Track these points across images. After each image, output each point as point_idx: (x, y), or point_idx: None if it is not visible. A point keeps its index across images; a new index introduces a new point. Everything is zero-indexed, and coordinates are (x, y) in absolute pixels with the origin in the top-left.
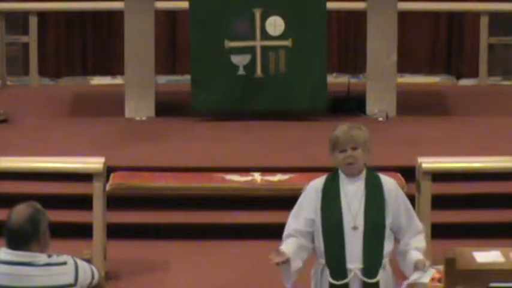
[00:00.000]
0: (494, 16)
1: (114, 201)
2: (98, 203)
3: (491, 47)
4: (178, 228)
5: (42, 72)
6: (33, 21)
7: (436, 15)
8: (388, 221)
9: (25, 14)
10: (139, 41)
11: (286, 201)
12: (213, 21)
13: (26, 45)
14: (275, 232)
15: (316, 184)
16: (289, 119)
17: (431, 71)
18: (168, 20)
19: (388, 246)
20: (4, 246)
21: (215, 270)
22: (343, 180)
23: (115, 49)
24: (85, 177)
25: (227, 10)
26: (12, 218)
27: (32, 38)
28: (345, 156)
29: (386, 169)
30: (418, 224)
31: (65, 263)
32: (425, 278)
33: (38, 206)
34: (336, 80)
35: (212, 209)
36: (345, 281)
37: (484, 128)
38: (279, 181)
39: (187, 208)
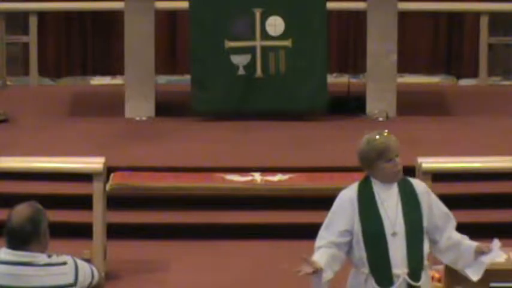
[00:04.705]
0: (494, 16)
1: (114, 201)
2: (98, 203)
3: (491, 47)
4: (178, 228)
5: (42, 72)
6: (33, 21)
7: (436, 15)
8: (425, 223)
9: (25, 14)
10: (139, 41)
11: (286, 201)
12: (213, 21)
13: (26, 45)
14: (275, 232)
15: (349, 194)
16: (289, 119)
17: (431, 71)
18: (168, 20)
19: (426, 248)
20: (4, 246)
21: (215, 270)
22: (376, 187)
23: (115, 49)
24: (85, 177)
25: (227, 10)
26: (12, 218)
27: (32, 38)
28: (393, 165)
29: None
30: (454, 222)
31: (65, 263)
32: (499, 255)
33: (38, 206)
34: (336, 80)
35: (212, 209)
36: (394, 287)
37: (484, 128)
38: (279, 181)
39: (187, 208)
